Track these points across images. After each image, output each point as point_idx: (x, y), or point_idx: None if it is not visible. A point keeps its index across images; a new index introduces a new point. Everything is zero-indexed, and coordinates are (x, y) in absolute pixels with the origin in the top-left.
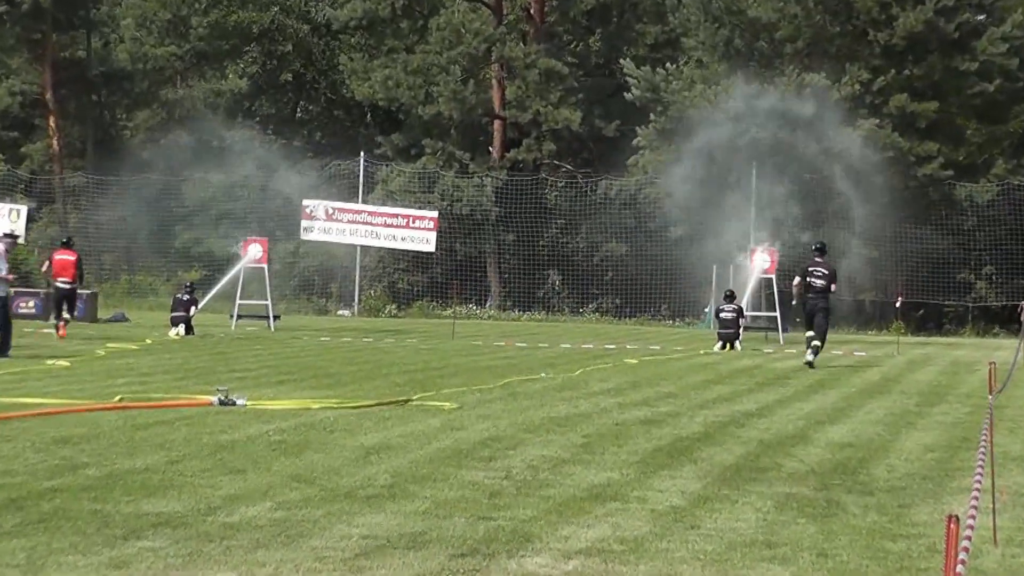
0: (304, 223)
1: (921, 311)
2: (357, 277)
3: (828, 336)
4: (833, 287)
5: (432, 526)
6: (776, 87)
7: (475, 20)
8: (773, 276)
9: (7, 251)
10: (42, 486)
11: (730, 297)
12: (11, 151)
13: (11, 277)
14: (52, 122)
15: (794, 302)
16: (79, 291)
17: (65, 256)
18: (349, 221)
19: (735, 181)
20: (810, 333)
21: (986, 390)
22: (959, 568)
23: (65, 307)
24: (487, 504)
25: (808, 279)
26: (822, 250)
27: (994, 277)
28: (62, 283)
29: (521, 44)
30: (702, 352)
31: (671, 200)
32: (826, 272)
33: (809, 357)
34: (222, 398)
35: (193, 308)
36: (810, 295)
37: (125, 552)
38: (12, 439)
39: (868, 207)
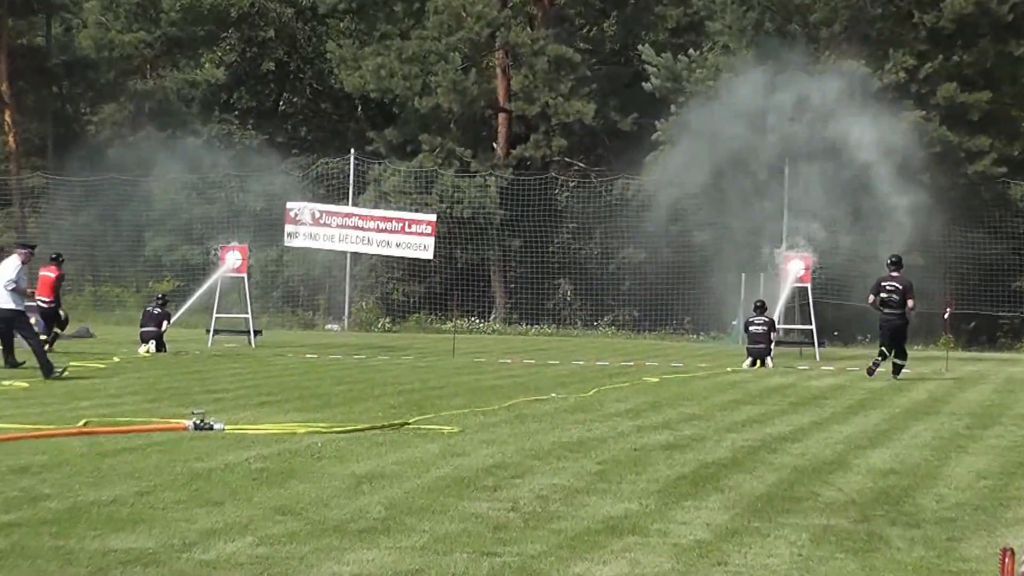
0: (288, 228)
1: (972, 323)
2: (347, 288)
3: (870, 352)
4: (910, 302)
5: (431, 563)
6: (810, 75)
7: (477, 2)
8: (808, 285)
9: (24, 262)
10: None
11: (760, 308)
12: None
13: (31, 291)
14: (8, 117)
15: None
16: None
17: (47, 273)
18: (338, 226)
19: (765, 180)
20: (882, 353)
21: None
22: None
23: (43, 327)
24: (491, 538)
25: (882, 295)
26: (898, 264)
27: None
28: (41, 302)
29: (528, 29)
30: (729, 369)
31: (695, 201)
32: (900, 286)
33: (890, 373)
34: (198, 422)
35: (165, 323)
36: (885, 311)
37: None
38: None
39: (912, 208)
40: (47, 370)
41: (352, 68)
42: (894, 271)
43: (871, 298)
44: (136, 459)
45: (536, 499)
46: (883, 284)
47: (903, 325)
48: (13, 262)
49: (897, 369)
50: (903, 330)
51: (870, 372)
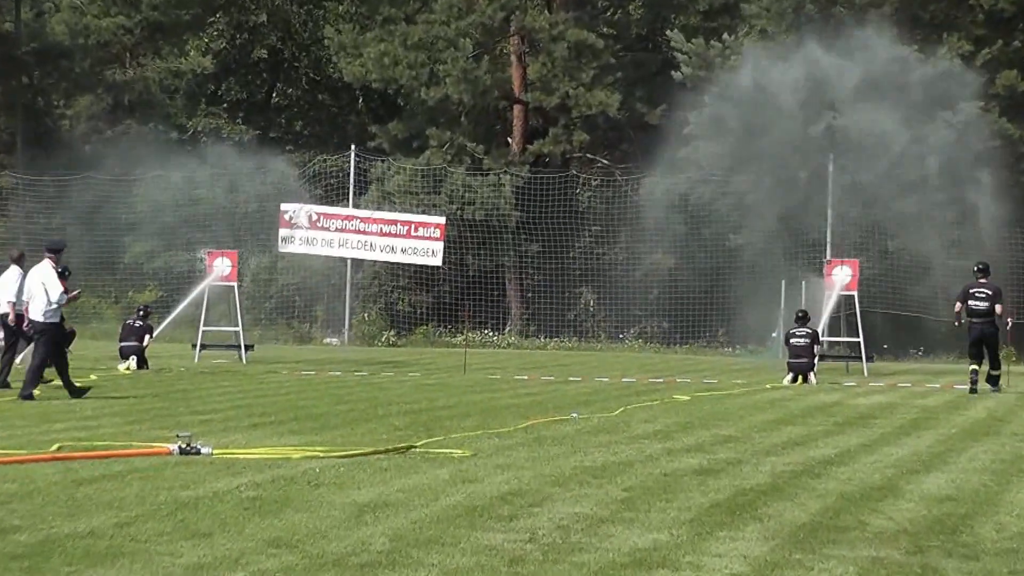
0: (283, 232)
1: None
2: (347, 298)
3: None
4: (999, 308)
5: None
6: (856, 62)
7: None
8: (855, 293)
9: (55, 265)
10: None
11: (802, 319)
12: None
13: (72, 294)
14: None
15: (957, 323)
16: None
17: None
18: (337, 229)
19: (808, 177)
20: (975, 366)
21: None
22: None
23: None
24: (507, 572)
25: (969, 302)
26: (985, 271)
27: None
28: None
29: (546, 12)
30: (768, 386)
31: (730, 201)
32: (990, 293)
33: (988, 388)
34: (183, 446)
35: (147, 337)
36: (974, 320)
37: None
38: None
39: (969, 207)
40: (26, 389)
41: (352, 56)
42: (982, 278)
43: (957, 306)
44: (115, 487)
45: (556, 529)
46: (971, 291)
47: (994, 333)
48: (53, 273)
49: (994, 380)
50: (995, 338)
51: (972, 390)
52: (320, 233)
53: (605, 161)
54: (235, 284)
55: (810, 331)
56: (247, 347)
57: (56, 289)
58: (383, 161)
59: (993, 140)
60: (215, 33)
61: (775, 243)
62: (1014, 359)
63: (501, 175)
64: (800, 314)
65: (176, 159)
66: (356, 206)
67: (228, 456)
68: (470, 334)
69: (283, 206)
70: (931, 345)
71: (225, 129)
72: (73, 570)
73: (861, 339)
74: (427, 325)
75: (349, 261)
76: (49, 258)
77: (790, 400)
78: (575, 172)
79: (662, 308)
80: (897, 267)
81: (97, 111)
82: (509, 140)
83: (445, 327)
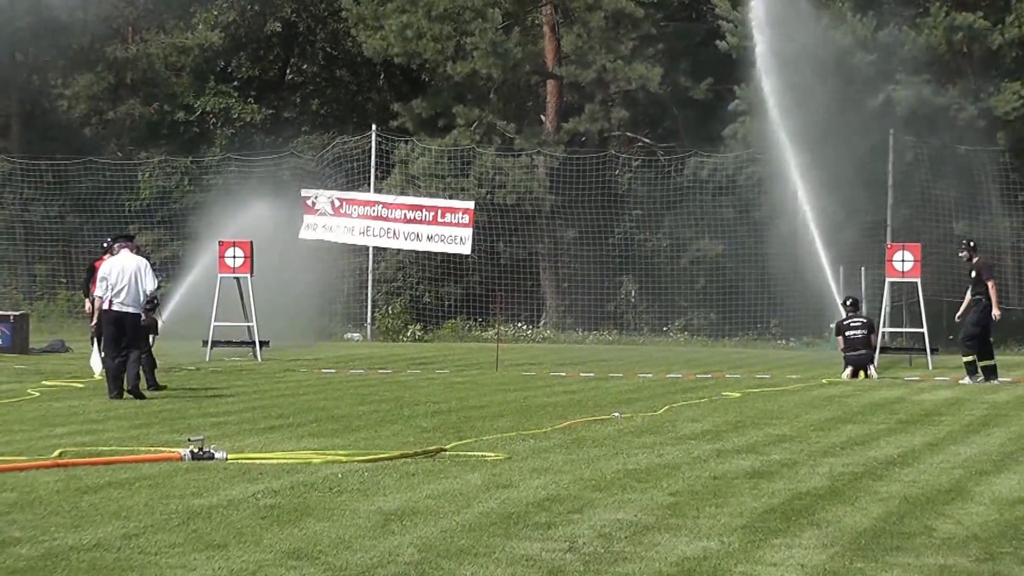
0: (307, 219)
1: None
2: (370, 289)
3: (997, 360)
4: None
5: None
6: (919, 32)
7: None
8: (918, 280)
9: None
10: None
11: (854, 306)
12: None
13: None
14: None
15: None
16: None
17: None
18: (359, 216)
19: (866, 155)
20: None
21: None
22: None
23: None
24: None
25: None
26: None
27: None
28: None
29: None
30: (825, 381)
31: (781, 182)
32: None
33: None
34: (195, 450)
35: (152, 336)
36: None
37: None
38: None
39: None
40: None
41: (372, 28)
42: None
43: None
44: (122, 495)
45: (598, 538)
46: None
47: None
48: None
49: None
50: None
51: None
52: (341, 220)
53: (646, 140)
54: (248, 276)
55: (866, 320)
56: (262, 344)
57: (151, 281)
58: (406, 142)
59: None
60: (224, 5)
61: (831, 227)
62: None
63: (534, 156)
64: (849, 301)
65: (183, 142)
66: (378, 191)
67: (243, 461)
68: (502, 328)
69: (304, 191)
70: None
71: (235, 109)
72: None
73: (925, 329)
74: (456, 318)
75: (371, 250)
76: (130, 246)
77: (849, 396)
78: (614, 152)
79: (709, 298)
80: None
81: (98, 91)
82: (542, 118)
83: (475, 320)
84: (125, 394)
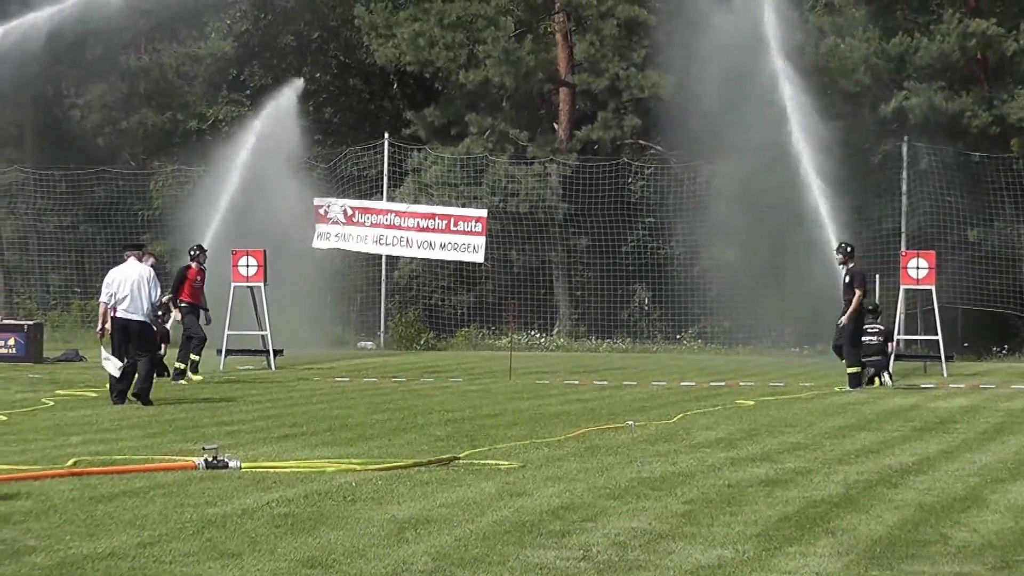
0: (319, 228)
1: None
2: (383, 298)
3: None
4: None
5: None
6: (932, 38)
7: None
8: (932, 287)
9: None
10: None
11: (872, 312)
12: None
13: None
14: None
15: None
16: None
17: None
18: (372, 224)
19: (880, 162)
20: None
21: None
22: None
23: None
24: None
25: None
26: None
27: None
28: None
29: None
30: (838, 389)
31: (796, 190)
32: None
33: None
34: (209, 459)
35: (163, 344)
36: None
37: None
38: None
39: None
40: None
41: (385, 37)
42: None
43: None
44: (137, 504)
45: (612, 546)
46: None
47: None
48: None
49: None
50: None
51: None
52: (354, 229)
53: (660, 148)
54: (262, 285)
55: (882, 328)
56: (276, 352)
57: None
58: (419, 150)
59: None
60: (237, 15)
61: (845, 234)
62: None
63: (547, 164)
64: (870, 307)
65: (196, 151)
66: (391, 199)
67: (258, 470)
68: (515, 336)
69: (316, 200)
70: (1017, 343)
71: (248, 118)
72: None
73: (940, 337)
74: (469, 327)
75: (384, 258)
76: (147, 256)
77: (863, 404)
78: (627, 160)
79: (723, 306)
80: (976, 259)
81: (111, 100)
82: (555, 126)
83: (488, 329)
84: (128, 399)
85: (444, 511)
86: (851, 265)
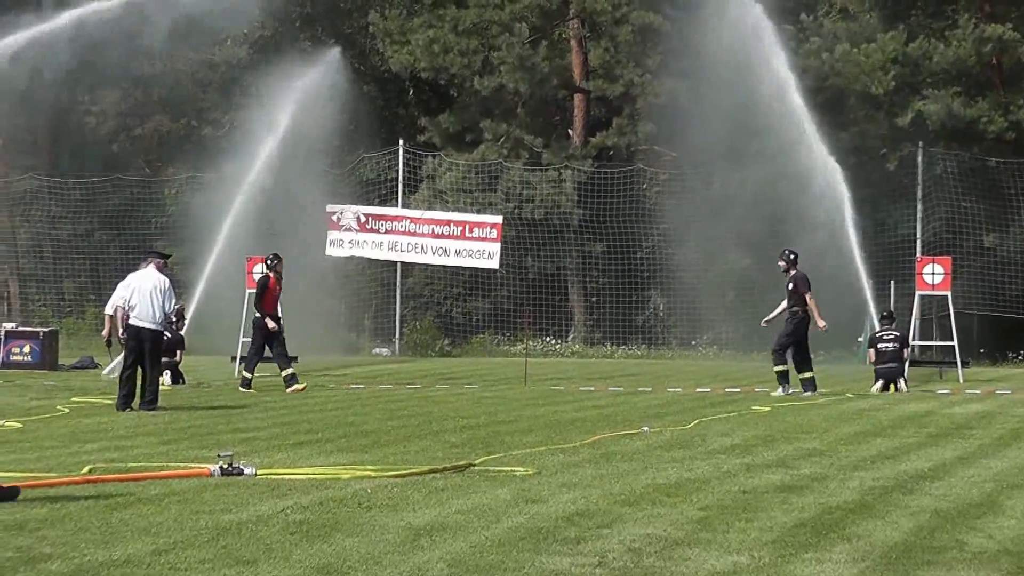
0: (332, 235)
1: None
2: (397, 304)
3: (810, 371)
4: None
5: None
6: (948, 44)
7: None
8: (948, 293)
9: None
10: None
11: (888, 319)
12: None
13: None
14: None
15: None
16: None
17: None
18: (387, 231)
19: (896, 169)
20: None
21: None
22: None
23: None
24: None
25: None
26: (794, 262)
27: None
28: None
29: None
30: (850, 395)
31: (811, 195)
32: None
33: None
34: (224, 466)
35: (179, 351)
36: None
37: None
38: None
39: None
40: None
41: (399, 43)
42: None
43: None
44: (152, 511)
45: (627, 552)
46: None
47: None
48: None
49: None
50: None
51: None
52: (369, 235)
53: (675, 154)
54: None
55: (898, 334)
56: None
57: (171, 298)
58: (434, 157)
59: None
60: (253, 21)
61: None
62: None
63: (562, 170)
64: (885, 314)
65: (210, 158)
66: (405, 205)
67: (273, 477)
68: (531, 342)
69: (329, 207)
70: None
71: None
72: None
73: (956, 342)
74: (484, 333)
75: (399, 265)
76: (158, 263)
77: (879, 410)
78: (642, 166)
79: (739, 312)
80: (992, 265)
81: (126, 107)
82: (570, 132)
83: (503, 335)
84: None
85: (459, 518)
86: (793, 272)
